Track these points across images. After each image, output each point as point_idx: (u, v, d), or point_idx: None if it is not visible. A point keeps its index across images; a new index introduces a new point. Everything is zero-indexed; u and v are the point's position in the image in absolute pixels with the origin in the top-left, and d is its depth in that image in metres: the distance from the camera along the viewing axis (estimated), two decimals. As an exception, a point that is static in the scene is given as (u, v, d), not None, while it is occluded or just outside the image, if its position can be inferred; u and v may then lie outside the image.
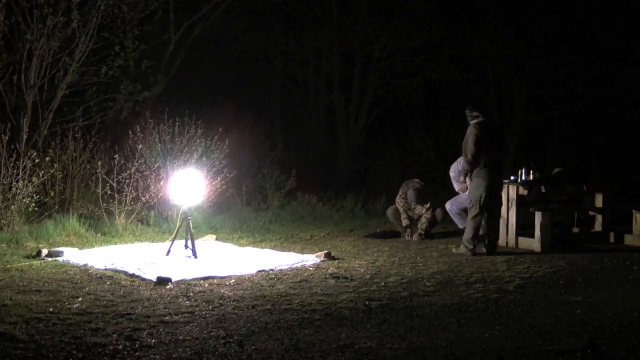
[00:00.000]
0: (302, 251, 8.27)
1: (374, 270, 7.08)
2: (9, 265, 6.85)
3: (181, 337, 4.63)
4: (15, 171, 8.35)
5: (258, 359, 4.24)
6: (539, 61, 15.71)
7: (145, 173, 9.58)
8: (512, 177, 8.87)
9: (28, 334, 4.58)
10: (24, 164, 8.36)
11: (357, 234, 9.84)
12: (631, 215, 9.07)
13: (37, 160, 8.51)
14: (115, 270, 6.79)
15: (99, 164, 9.41)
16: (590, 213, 9.59)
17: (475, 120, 8.04)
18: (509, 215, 8.78)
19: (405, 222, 9.49)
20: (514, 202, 8.74)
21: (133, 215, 9.34)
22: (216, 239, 8.92)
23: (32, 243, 8.05)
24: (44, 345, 4.37)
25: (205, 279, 6.50)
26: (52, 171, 8.58)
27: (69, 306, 5.36)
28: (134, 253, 7.73)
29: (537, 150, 16.19)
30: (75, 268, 6.92)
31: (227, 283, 6.37)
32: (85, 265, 7.03)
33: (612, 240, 9.19)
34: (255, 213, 11.00)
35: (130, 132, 9.94)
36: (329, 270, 7.02)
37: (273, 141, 15.29)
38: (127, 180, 9.27)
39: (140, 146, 9.74)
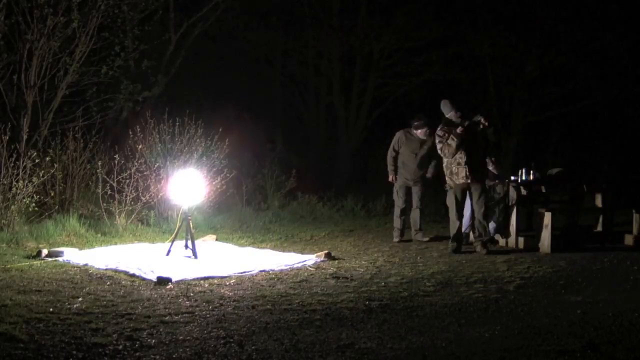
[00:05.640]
0: (302, 251, 8.27)
1: (374, 270, 7.08)
2: (9, 265, 6.85)
3: (181, 337, 4.63)
4: (15, 171, 8.34)
5: (258, 359, 4.24)
6: (539, 61, 15.69)
7: (145, 173, 9.58)
8: (512, 177, 8.86)
9: (28, 334, 4.58)
10: (24, 164, 8.35)
11: (357, 234, 9.84)
12: (631, 215, 9.07)
13: (37, 160, 8.50)
14: (116, 270, 6.79)
15: (99, 164, 9.40)
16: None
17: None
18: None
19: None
20: (514, 202, 8.73)
21: (133, 216, 9.34)
22: (216, 239, 8.91)
23: (32, 243, 8.05)
24: (44, 345, 4.37)
25: (206, 279, 6.50)
26: (52, 171, 8.56)
27: (69, 306, 5.36)
28: (134, 253, 7.73)
29: (537, 150, 16.16)
30: (75, 268, 6.92)
31: (227, 283, 6.37)
32: (86, 265, 7.03)
33: (612, 240, 9.18)
34: (255, 213, 10.99)
35: (130, 132, 9.94)
36: (329, 271, 7.02)
37: (273, 141, 15.27)
38: (127, 181, 9.27)
39: (140, 146, 9.74)
